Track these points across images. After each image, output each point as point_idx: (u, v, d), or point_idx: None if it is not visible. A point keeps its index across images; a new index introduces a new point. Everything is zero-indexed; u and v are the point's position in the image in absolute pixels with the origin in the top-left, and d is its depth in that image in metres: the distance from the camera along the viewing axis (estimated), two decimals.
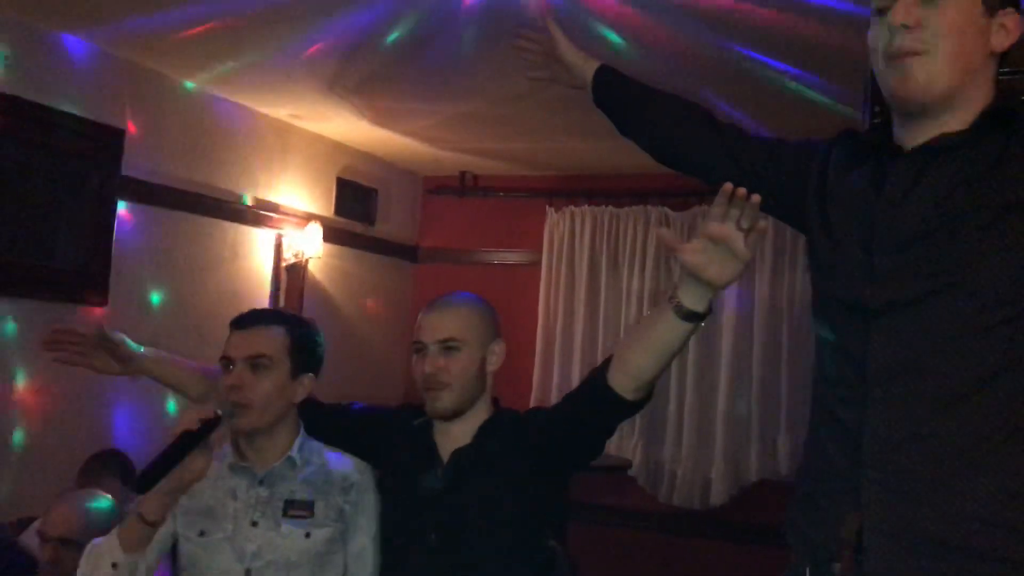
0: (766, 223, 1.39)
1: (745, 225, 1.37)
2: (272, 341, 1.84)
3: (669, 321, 1.53)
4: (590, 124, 4.02)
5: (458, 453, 1.83)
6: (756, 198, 1.35)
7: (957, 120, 1.30)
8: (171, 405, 3.76)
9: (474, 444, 1.83)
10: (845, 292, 1.33)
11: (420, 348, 1.84)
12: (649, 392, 1.68)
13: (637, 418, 4.81)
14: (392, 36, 3.14)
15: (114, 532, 1.71)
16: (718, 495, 4.66)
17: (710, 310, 1.52)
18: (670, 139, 1.65)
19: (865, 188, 1.34)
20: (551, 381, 4.98)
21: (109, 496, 2.48)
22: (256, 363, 1.80)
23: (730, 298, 4.69)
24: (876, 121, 1.40)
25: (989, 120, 1.29)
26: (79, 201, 3.44)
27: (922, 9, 1.28)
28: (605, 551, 4.45)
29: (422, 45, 3.18)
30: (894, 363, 1.26)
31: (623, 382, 1.65)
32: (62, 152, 3.37)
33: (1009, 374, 1.22)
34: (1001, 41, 1.31)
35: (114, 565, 1.69)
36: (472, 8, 2.63)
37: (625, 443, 4.83)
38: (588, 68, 1.74)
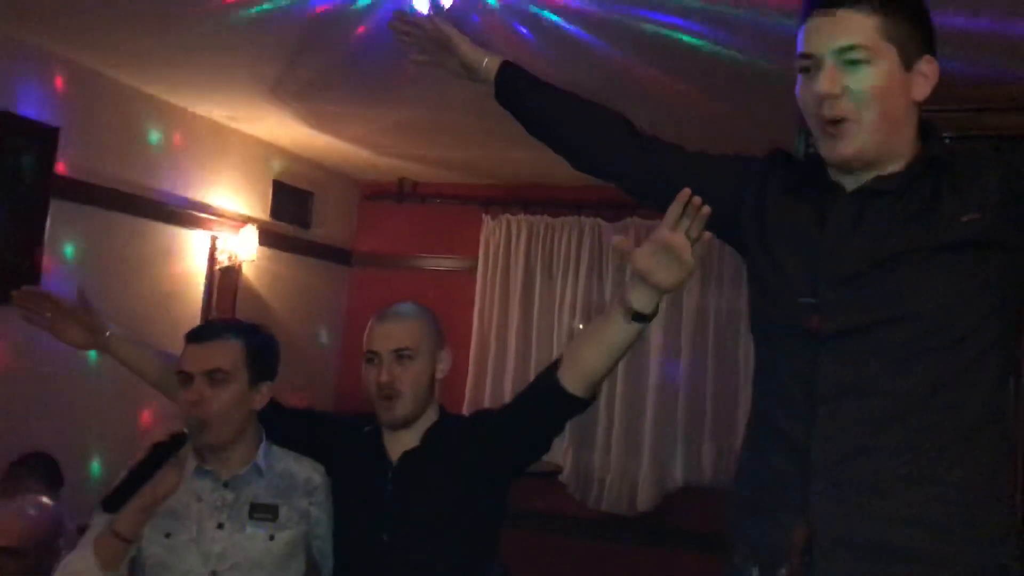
0: (709, 234, 1.47)
1: (693, 235, 1.45)
2: (229, 354, 1.85)
3: (618, 322, 1.61)
4: (528, 134, 4.10)
5: (407, 456, 1.88)
6: (706, 210, 1.43)
7: (891, 167, 1.38)
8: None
9: (422, 447, 1.88)
10: (791, 319, 1.41)
11: (372, 357, 1.88)
12: (596, 391, 1.76)
13: (568, 424, 4.88)
14: (335, 42, 3.16)
15: (89, 550, 1.70)
16: (645, 501, 4.76)
17: (656, 312, 1.60)
18: (588, 147, 1.65)
19: (808, 221, 1.42)
20: (484, 387, 5.03)
21: (49, 501, 2.45)
22: (214, 377, 1.81)
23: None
24: (811, 151, 1.46)
25: (921, 164, 1.38)
26: (10, 199, 3.37)
27: (845, 76, 1.34)
28: (535, 556, 4.51)
29: (364, 52, 3.20)
30: (841, 384, 1.35)
31: (574, 380, 1.72)
32: None
33: (941, 394, 1.32)
34: (922, 90, 1.38)
35: None
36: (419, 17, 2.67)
37: (556, 449, 4.90)
38: (490, 64, 1.69)
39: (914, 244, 1.34)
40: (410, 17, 1.76)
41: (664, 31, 2.78)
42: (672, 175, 1.54)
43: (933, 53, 1.39)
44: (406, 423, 1.88)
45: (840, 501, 1.33)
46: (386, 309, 1.95)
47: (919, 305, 1.32)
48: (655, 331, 4.79)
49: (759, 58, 2.87)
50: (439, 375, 1.93)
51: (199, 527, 1.80)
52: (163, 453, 1.68)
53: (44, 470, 3.02)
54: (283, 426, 1.96)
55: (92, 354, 3.65)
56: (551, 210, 5.09)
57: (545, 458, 5.00)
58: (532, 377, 1.87)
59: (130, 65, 3.64)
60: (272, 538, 1.82)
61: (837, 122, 1.36)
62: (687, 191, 1.43)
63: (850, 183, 1.41)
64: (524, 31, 2.87)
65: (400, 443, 1.89)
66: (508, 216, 5.17)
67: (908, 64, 1.36)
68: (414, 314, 1.95)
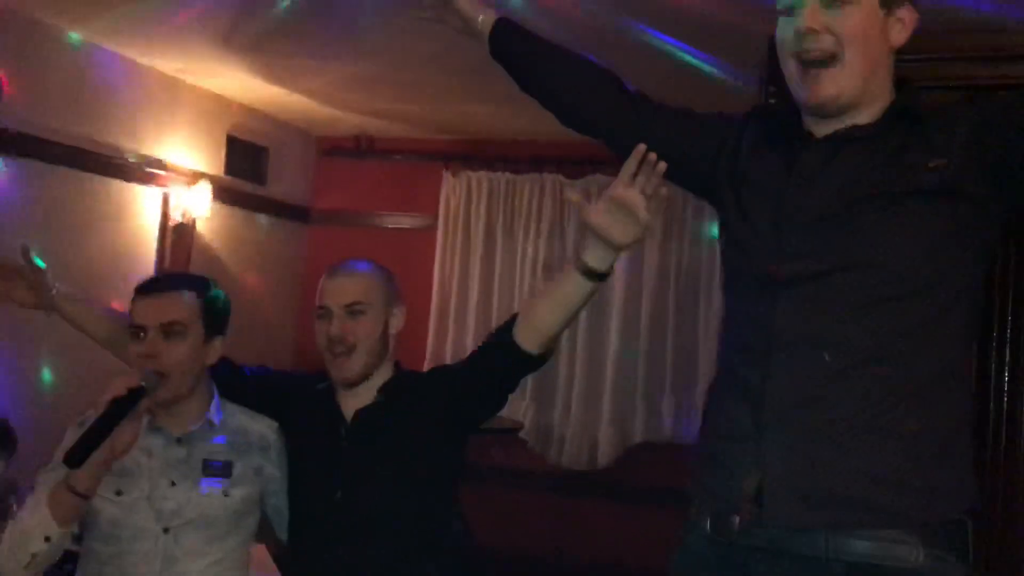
0: (667, 190, 1.46)
1: (649, 191, 1.44)
2: (185, 307, 1.81)
3: (574, 280, 1.62)
4: (490, 89, 4.06)
5: (361, 412, 1.87)
6: (662, 166, 1.42)
7: (864, 114, 1.39)
8: (46, 375, 3.64)
9: (376, 403, 1.87)
10: (754, 266, 1.41)
11: (324, 313, 1.86)
12: (551, 348, 1.76)
13: (529, 381, 4.90)
14: None
15: (42, 504, 1.66)
16: (605, 456, 4.81)
17: (611, 270, 1.60)
18: (577, 103, 1.65)
19: (777, 170, 1.42)
20: (445, 346, 5.02)
21: None
22: (170, 330, 1.78)
23: (619, 265, 4.81)
24: (772, 101, 1.47)
25: (895, 114, 1.38)
26: None
27: (826, 15, 1.35)
28: (495, 511, 4.54)
29: (320, 2, 3.12)
30: (798, 331, 1.35)
31: (529, 337, 1.72)
32: None
33: (900, 344, 1.32)
34: (899, 36, 1.39)
35: (47, 538, 1.65)
36: None
37: (516, 406, 4.92)
38: (486, 19, 1.69)
39: (878, 190, 1.33)
40: None
41: None
42: (654, 132, 1.54)
43: (912, 1, 1.40)
44: (360, 378, 1.86)
45: (791, 450, 1.33)
46: (337, 265, 1.93)
47: (880, 253, 1.32)
48: (616, 289, 4.81)
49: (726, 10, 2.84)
50: (392, 330, 1.91)
51: (151, 484, 1.77)
52: (122, 407, 1.64)
53: None
54: (236, 384, 1.94)
55: None
56: (512, 167, 5.05)
57: (506, 414, 5.07)
58: None
59: (74, 14, 3.51)
60: (227, 495, 1.81)
61: (817, 63, 1.36)
62: (642, 147, 1.43)
63: (821, 131, 1.41)
64: None
65: (355, 399, 1.88)
66: (469, 173, 5.12)
67: (888, 8, 1.37)
68: (365, 269, 1.93)
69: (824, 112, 1.40)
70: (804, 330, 1.35)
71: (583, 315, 4.85)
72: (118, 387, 1.64)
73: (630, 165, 1.44)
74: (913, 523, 1.30)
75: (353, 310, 1.84)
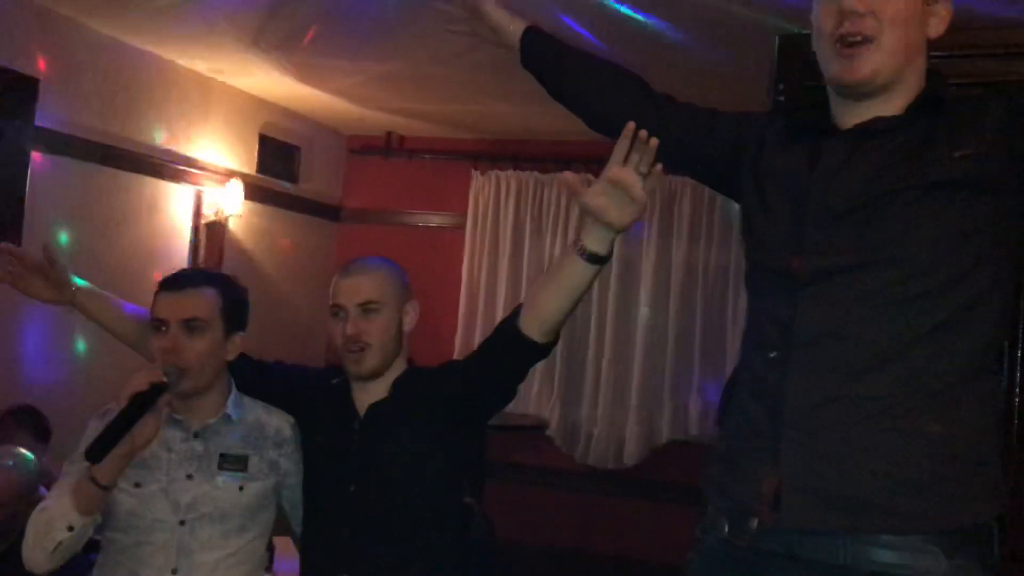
0: (661, 166, 1.45)
1: (643, 169, 1.43)
2: (206, 303, 1.84)
3: (574, 264, 1.61)
4: (517, 88, 4.06)
5: (374, 407, 1.88)
6: (654, 141, 1.41)
7: (893, 103, 1.36)
8: (80, 344, 3.69)
9: (389, 398, 1.89)
10: (775, 261, 1.39)
11: (338, 311, 1.88)
12: (556, 336, 1.76)
13: (556, 379, 4.92)
14: None
15: (66, 495, 1.70)
16: (631, 455, 4.80)
17: (611, 253, 1.59)
18: (603, 107, 1.65)
19: (800, 163, 1.40)
20: (473, 343, 5.02)
21: (27, 453, 2.45)
22: (191, 326, 1.81)
23: (647, 263, 4.81)
24: (780, 99, 1.46)
25: (921, 105, 1.36)
26: None
27: None
28: (521, 509, 4.56)
29: (349, 2, 3.15)
30: (818, 329, 1.32)
31: (532, 325, 1.72)
32: None
33: (925, 343, 1.28)
34: (937, 28, 1.38)
35: (70, 528, 1.69)
36: None
37: (543, 403, 4.93)
38: (515, 29, 1.70)
39: (903, 183, 1.30)
40: None
41: None
42: (678, 132, 1.54)
43: None
44: (374, 375, 1.88)
45: (811, 450, 1.30)
46: (350, 263, 1.95)
47: (904, 247, 1.28)
48: (644, 287, 4.80)
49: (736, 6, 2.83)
50: (406, 327, 1.92)
51: (169, 477, 1.80)
52: (143, 402, 1.67)
53: (30, 421, 3.02)
54: (252, 378, 1.96)
55: None
56: (540, 165, 5.06)
57: (533, 412, 5.05)
58: None
59: (110, 15, 3.57)
60: (242, 489, 1.83)
61: (855, 44, 1.34)
62: (631, 125, 1.42)
63: (848, 121, 1.39)
64: None
65: (368, 395, 1.90)
66: (497, 172, 5.14)
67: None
68: (378, 267, 1.94)
69: (859, 92, 1.38)
70: (824, 327, 1.32)
71: (610, 312, 4.87)
72: (139, 382, 1.67)
73: (622, 144, 1.42)
74: (936, 530, 1.26)
75: (367, 309, 1.86)
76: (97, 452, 1.63)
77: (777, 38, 1.48)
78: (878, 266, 1.30)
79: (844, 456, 1.29)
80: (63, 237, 3.70)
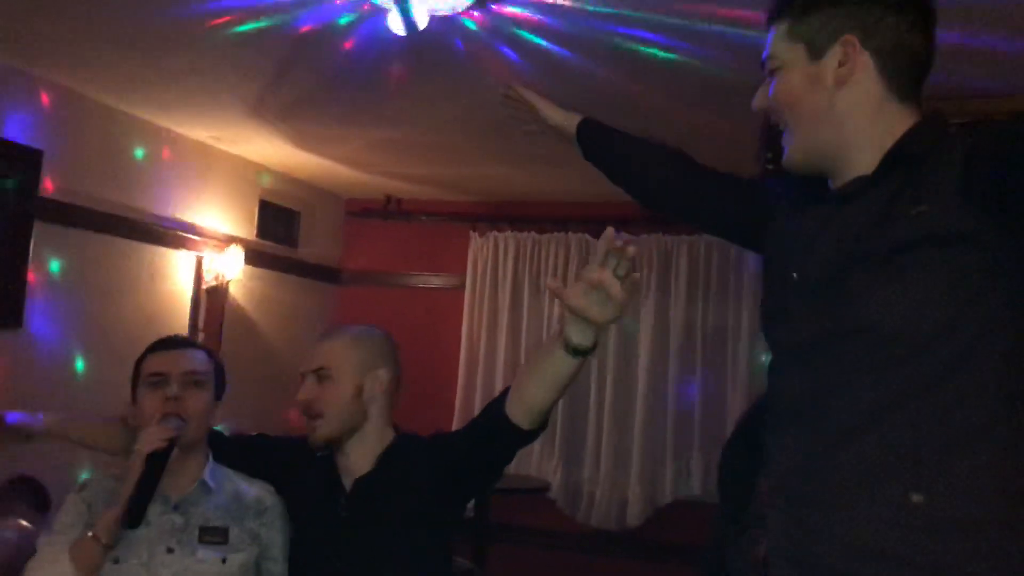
0: (638, 274, 1.51)
1: (620, 273, 1.46)
2: (203, 362, 1.92)
3: (559, 356, 1.64)
4: (514, 151, 4.14)
5: (359, 482, 1.88)
6: (631, 250, 1.44)
7: (867, 159, 1.31)
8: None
9: (375, 472, 1.89)
10: (768, 330, 1.42)
11: (302, 377, 1.92)
12: (544, 422, 1.77)
13: (557, 441, 4.90)
14: (318, 61, 3.17)
15: (64, 557, 1.69)
16: (634, 516, 4.76)
17: (596, 344, 1.62)
18: (655, 188, 1.74)
19: (796, 231, 1.42)
20: (473, 405, 5.02)
21: (28, 525, 2.43)
22: (193, 379, 1.86)
23: (646, 322, 4.82)
24: (769, 167, 1.50)
25: (889, 162, 1.30)
26: None
27: (766, 90, 1.38)
28: (525, 571, 4.50)
29: (347, 71, 3.22)
30: (799, 398, 1.33)
31: (519, 413, 1.74)
32: None
33: (908, 408, 1.23)
34: (844, 75, 1.31)
35: None
36: (401, 38, 2.69)
37: (545, 465, 4.90)
38: (570, 124, 1.80)
39: (868, 248, 1.26)
40: (513, 92, 1.88)
41: (640, 47, 2.81)
42: (720, 203, 1.63)
43: (862, 28, 1.30)
44: (328, 443, 1.88)
45: (793, 519, 1.29)
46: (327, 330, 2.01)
47: (869, 317, 1.24)
48: (643, 347, 4.81)
49: (726, 70, 2.89)
50: (367, 395, 1.90)
51: (149, 552, 1.78)
52: (162, 459, 1.72)
53: (31, 494, 3.00)
54: (233, 452, 1.98)
55: (79, 365, 3.64)
56: (538, 226, 5.11)
57: (534, 474, 5.02)
58: None
59: (114, 87, 3.64)
60: (224, 561, 1.81)
61: (781, 133, 1.39)
62: (611, 230, 1.45)
63: (835, 184, 1.38)
64: (506, 51, 2.89)
65: (353, 467, 1.89)
66: (495, 233, 5.19)
67: (817, 55, 1.32)
68: (341, 334, 1.97)
69: (802, 174, 1.41)
70: (806, 396, 1.32)
71: (609, 375, 4.88)
72: (153, 440, 1.71)
73: (602, 248, 1.46)
74: None
75: (320, 375, 1.88)
76: (136, 517, 1.69)
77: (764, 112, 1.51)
78: (848, 337, 1.27)
79: (822, 526, 1.26)
80: (71, 320, 3.72)
